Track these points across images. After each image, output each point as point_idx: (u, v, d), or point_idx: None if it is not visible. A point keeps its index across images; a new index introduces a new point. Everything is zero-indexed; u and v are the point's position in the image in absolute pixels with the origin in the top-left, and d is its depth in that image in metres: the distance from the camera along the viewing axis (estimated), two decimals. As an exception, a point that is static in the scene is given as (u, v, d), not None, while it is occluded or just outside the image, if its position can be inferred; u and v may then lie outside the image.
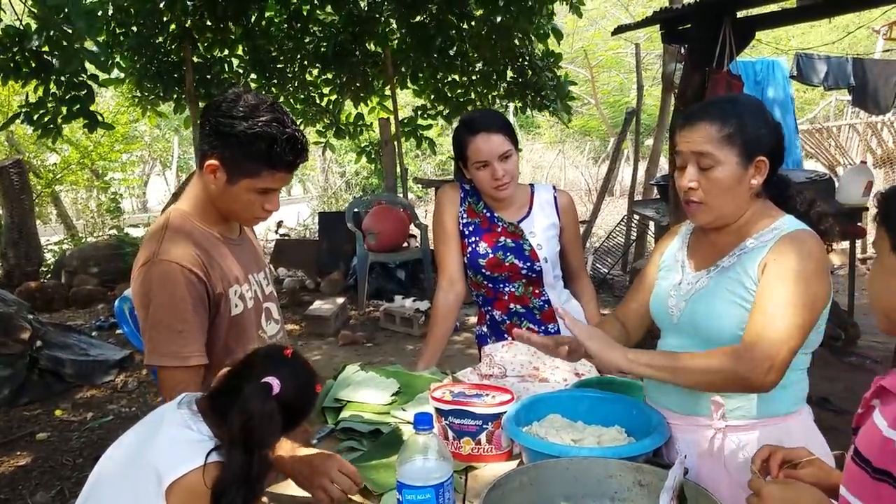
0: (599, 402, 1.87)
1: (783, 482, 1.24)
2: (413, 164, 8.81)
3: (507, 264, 2.34)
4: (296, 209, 13.24)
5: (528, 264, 2.33)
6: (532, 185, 2.46)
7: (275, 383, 1.35)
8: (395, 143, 7.52)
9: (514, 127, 2.35)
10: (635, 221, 8.23)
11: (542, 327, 2.38)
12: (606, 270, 7.98)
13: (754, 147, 1.58)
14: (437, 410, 1.85)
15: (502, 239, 2.36)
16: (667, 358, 1.61)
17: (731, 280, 1.61)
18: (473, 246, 2.38)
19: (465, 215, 2.41)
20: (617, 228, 8.41)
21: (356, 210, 7.21)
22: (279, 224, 10.99)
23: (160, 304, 1.61)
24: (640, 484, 1.49)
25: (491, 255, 2.35)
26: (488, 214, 2.40)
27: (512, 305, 2.38)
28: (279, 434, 1.37)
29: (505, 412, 1.78)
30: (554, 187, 2.48)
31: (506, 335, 2.39)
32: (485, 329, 2.47)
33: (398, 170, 7.63)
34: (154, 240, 1.68)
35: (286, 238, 10.04)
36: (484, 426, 1.80)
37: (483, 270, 2.36)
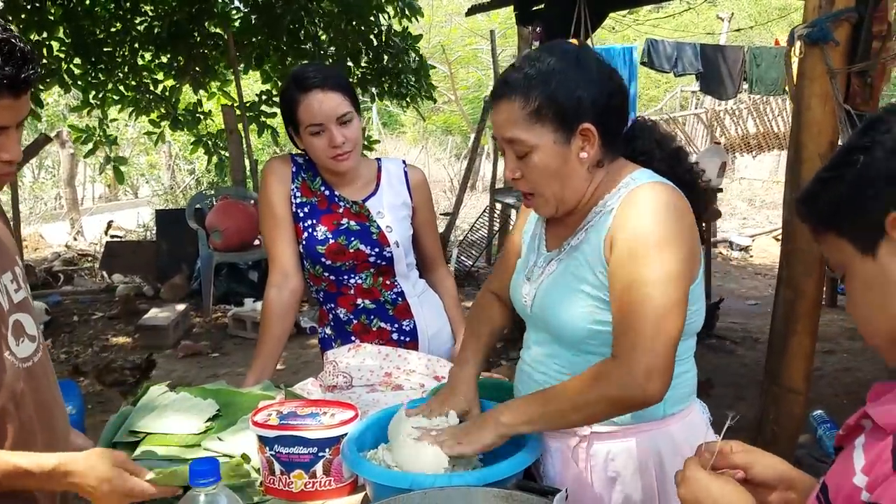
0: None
1: (714, 474, 0.96)
2: (262, 154, 8.09)
3: (351, 251, 1.95)
4: (135, 211, 11.99)
5: (377, 250, 1.95)
6: (379, 160, 2.09)
7: None
8: (242, 131, 6.88)
9: (353, 88, 1.96)
10: (497, 212, 8.13)
11: (396, 324, 2.01)
12: (471, 263, 7.89)
13: (573, 115, 1.27)
14: (260, 439, 1.45)
15: (345, 221, 1.97)
16: (541, 402, 1.31)
17: (578, 263, 1.32)
18: (310, 231, 1.96)
19: (298, 194, 1.99)
20: (479, 220, 8.26)
21: (198, 206, 6.55)
22: (109, 224, 9.91)
23: None
24: (514, 518, 1.16)
25: (332, 241, 1.94)
26: (327, 193, 1.99)
27: (359, 301, 1.99)
28: None
29: (345, 434, 1.41)
30: (404, 161, 2.12)
31: (353, 337, 2.00)
32: (328, 331, 2.06)
33: (246, 161, 6.99)
34: None
35: (118, 240, 9.05)
36: (320, 454, 1.43)
37: (323, 260, 1.96)
